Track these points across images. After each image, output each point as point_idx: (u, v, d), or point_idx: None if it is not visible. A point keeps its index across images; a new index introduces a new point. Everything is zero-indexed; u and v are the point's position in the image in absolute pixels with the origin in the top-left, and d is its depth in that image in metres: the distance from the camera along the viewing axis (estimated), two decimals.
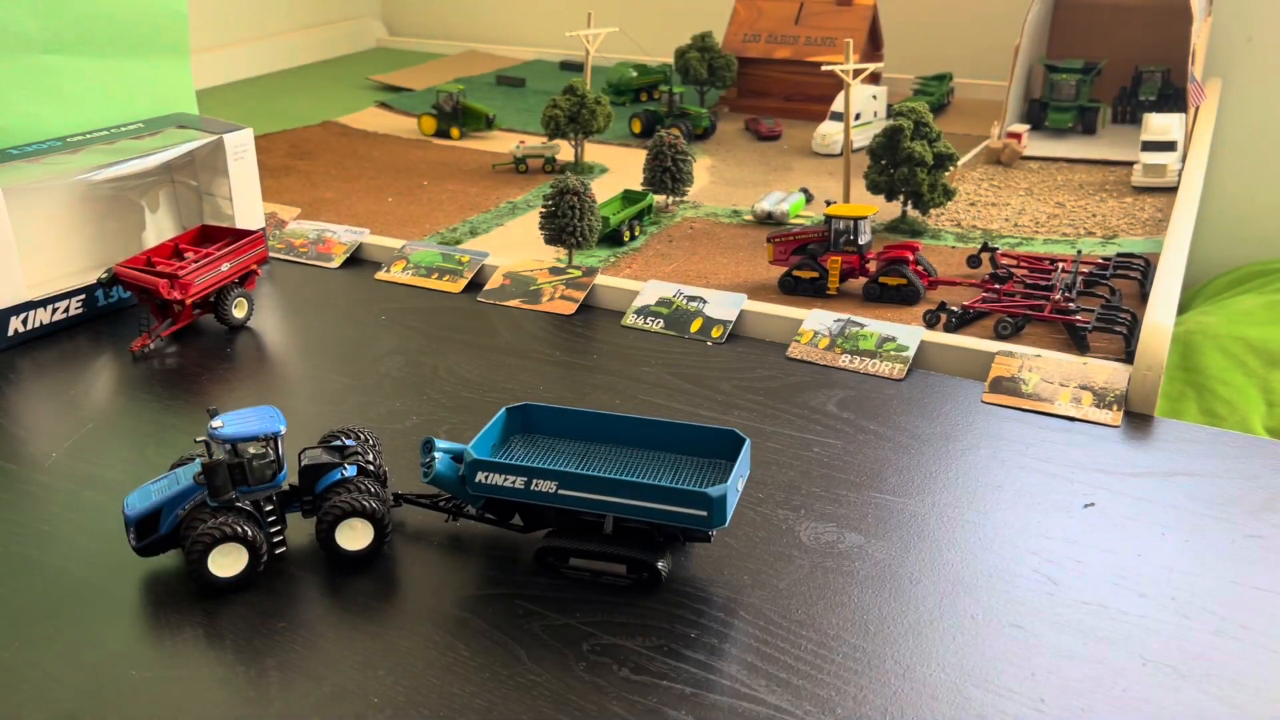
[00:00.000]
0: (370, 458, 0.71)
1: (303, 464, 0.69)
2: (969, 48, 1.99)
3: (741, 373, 0.94)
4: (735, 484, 0.63)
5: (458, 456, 0.68)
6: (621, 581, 0.66)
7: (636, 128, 1.71)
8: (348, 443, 0.71)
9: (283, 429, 0.66)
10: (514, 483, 0.65)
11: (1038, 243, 1.23)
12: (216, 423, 0.65)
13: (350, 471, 0.69)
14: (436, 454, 0.68)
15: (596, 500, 0.64)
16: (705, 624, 0.63)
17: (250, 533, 0.65)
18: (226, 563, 0.65)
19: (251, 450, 0.66)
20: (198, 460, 0.68)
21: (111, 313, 1.08)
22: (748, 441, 0.66)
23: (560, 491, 0.64)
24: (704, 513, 0.61)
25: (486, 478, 0.66)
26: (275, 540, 0.68)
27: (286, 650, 0.62)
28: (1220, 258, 1.79)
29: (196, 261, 1.00)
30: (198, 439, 0.66)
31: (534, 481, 0.65)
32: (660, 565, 0.65)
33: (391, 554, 0.70)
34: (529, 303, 1.08)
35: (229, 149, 1.15)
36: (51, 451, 0.83)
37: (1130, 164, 1.46)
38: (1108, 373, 0.89)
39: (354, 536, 0.68)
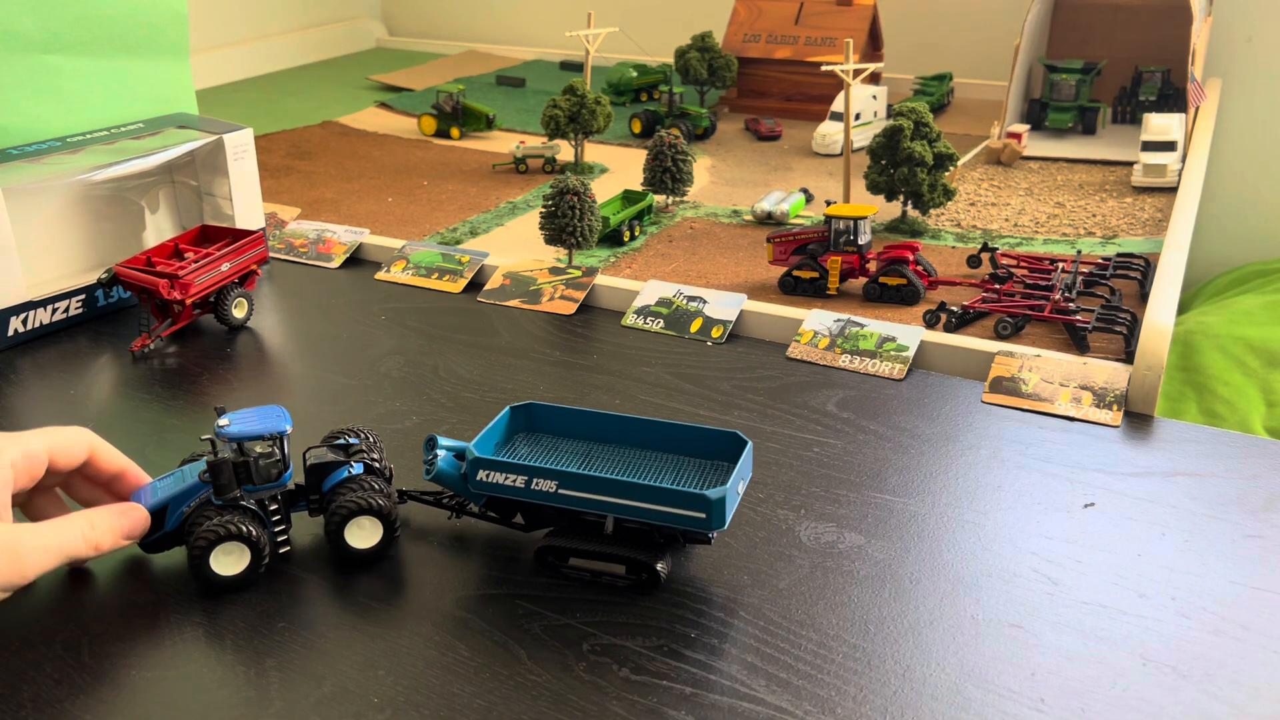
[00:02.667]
0: (375, 455, 0.71)
1: (309, 463, 0.69)
2: (969, 48, 1.99)
3: (741, 373, 0.94)
4: (735, 487, 0.63)
5: (460, 454, 0.68)
6: (621, 582, 0.66)
7: (636, 128, 1.71)
8: (352, 441, 0.71)
9: (288, 428, 0.66)
10: (515, 481, 0.65)
11: (1038, 243, 1.23)
12: (223, 421, 0.65)
13: (357, 469, 0.69)
14: (439, 451, 0.68)
15: (596, 500, 0.64)
16: (705, 624, 0.63)
17: (253, 532, 0.65)
18: (229, 561, 0.65)
19: (257, 449, 0.66)
20: (204, 458, 0.68)
21: (111, 313, 1.08)
22: (749, 444, 0.66)
23: (560, 491, 0.64)
24: (702, 515, 0.61)
25: (488, 476, 0.65)
26: (279, 539, 0.68)
27: (286, 650, 0.62)
28: (1220, 258, 1.79)
29: (196, 261, 1.00)
30: (203, 437, 0.67)
31: (534, 481, 0.65)
32: (659, 566, 0.65)
33: (392, 553, 0.70)
34: (529, 303, 1.08)
35: (229, 149, 1.15)
36: None
37: (1130, 164, 1.46)
38: (1108, 373, 0.89)
39: (363, 535, 0.68)
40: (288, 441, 0.67)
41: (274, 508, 0.68)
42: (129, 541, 0.66)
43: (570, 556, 0.67)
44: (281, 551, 0.68)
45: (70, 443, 0.67)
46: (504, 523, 0.70)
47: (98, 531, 0.64)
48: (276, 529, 0.68)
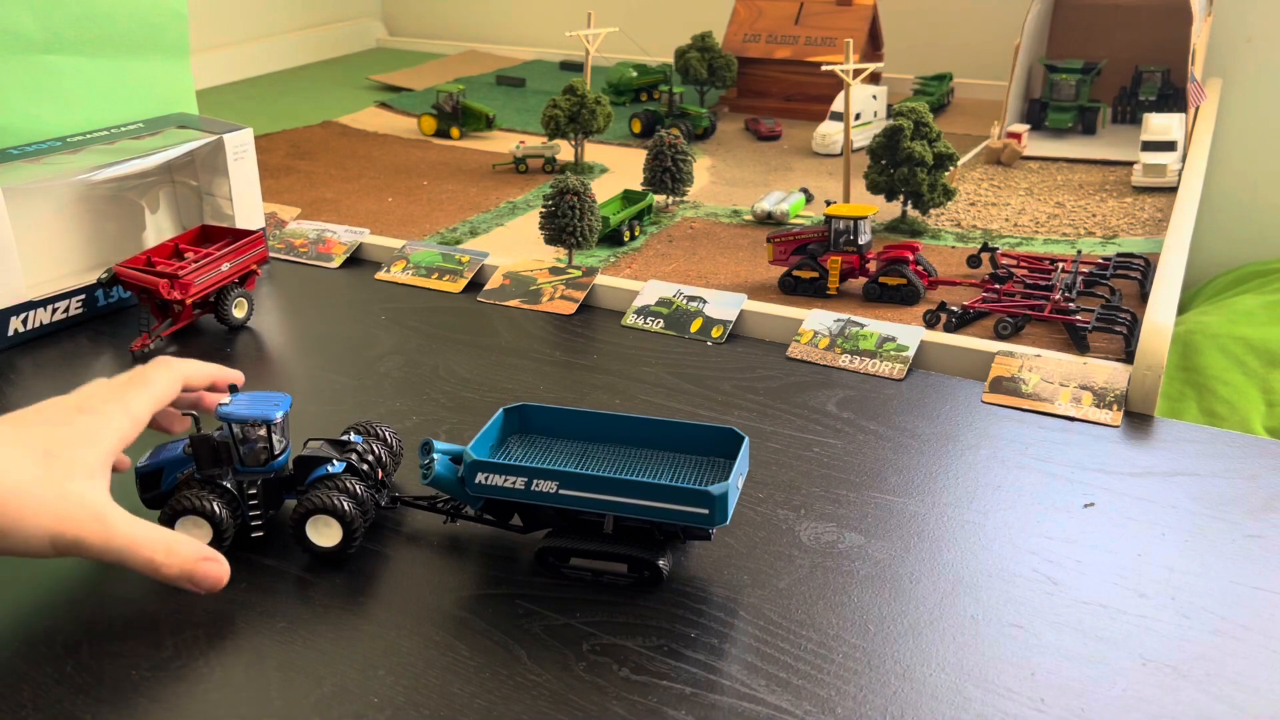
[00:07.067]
0: (371, 457, 0.71)
1: (299, 454, 0.70)
2: (969, 48, 1.99)
3: (741, 373, 0.94)
4: (735, 482, 0.63)
5: (456, 458, 0.68)
6: (622, 581, 0.66)
7: (636, 128, 1.71)
8: (354, 438, 0.72)
9: (277, 417, 0.67)
10: (514, 483, 0.65)
11: (1038, 243, 1.23)
12: (224, 399, 0.68)
13: (336, 468, 0.69)
14: (435, 455, 0.68)
15: (597, 500, 0.64)
16: (705, 624, 0.63)
17: (217, 510, 0.67)
18: (197, 534, 0.67)
19: (249, 433, 0.67)
20: (214, 432, 0.70)
21: (111, 313, 1.08)
22: (746, 439, 0.66)
23: (561, 491, 0.64)
24: (705, 511, 0.61)
25: (487, 478, 0.65)
26: (253, 524, 0.69)
27: (286, 650, 0.62)
28: (1220, 258, 1.79)
29: (196, 261, 1.00)
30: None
31: (534, 482, 0.65)
32: (661, 563, 0.65)
33: (392, 554, 0.70)
34: (529, 303, 1.08)
35: (229, 149, 1.15)
36: None
37: (1130, 164, 1.46)
38: (1108, 373, 0.89)
39: (326, 533, 0.68)
40: (277, 429, 0.68)
41: (252, 492, 0.69)
42: (189, 586, 0.63)
43: (571, 556, 0.67)
44: (253, 536, 0.69)
45: (166, 393, 0.70)
46: (501, 525, 0.70)
47: (171, 561, 0.62)
48: (251, 513, 0.69)
